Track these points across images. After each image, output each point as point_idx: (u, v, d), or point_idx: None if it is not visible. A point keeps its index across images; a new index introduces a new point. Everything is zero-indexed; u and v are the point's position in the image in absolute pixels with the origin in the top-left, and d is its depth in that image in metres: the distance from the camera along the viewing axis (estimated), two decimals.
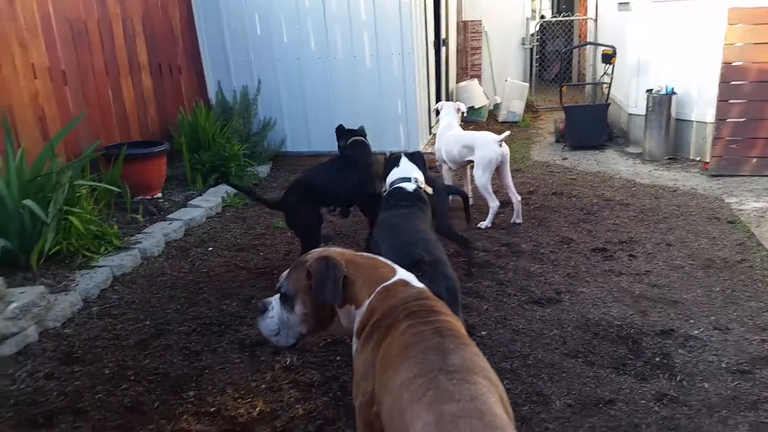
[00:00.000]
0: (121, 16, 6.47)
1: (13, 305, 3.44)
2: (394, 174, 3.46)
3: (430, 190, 3.53)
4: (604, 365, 3.20)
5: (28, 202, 3.89)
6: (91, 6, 6.04)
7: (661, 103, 7.51)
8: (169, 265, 4.73)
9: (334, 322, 2.19)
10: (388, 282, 2.08)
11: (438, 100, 10.07)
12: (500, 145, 5.38)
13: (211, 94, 8.01)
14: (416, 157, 3.59)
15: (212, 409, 2.89)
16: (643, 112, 7.79)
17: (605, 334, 3.50)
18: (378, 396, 1.85)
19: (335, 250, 2.21)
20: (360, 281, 2.11)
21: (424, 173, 3.60)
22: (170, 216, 5.55)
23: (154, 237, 4.97)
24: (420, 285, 2.11)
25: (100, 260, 4.43)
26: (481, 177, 5.37)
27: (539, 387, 3.01)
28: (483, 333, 3.55)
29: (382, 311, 1.99)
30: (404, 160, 3.53)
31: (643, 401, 2.88)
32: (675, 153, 7.75)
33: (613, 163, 7.77)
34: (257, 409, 2.89)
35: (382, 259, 2.23)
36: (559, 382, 3.05)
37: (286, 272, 2.22)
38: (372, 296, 2.06)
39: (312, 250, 2.26)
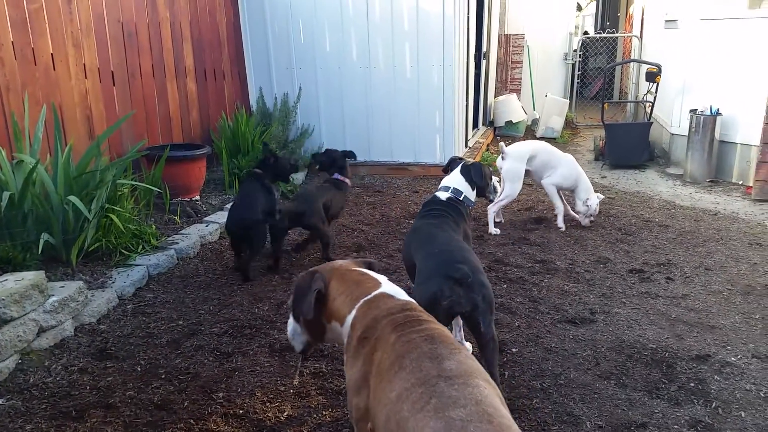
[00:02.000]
0: (170, 19, 6.63)
1: (53, 299, 3.53)
2: (443, 181, 3.49)
3: (473, 201, 3.53)
4: (637, 388, 3.12)
5: (72, 198, 3.99)
6: (142, 8, 6.20)
7: (705, 123, 7.36)
8: (203, 267, 4.80)
9: (327, 333, 2.22)
10: (369, 296, 2.07)
11: (476, 113, 10.07)
12: (502, 158, 5.68)
13: (253, 99, 8.13)
14: (472, 169, 3.57)
15: (241, 411, 2.91)
16: (686, 133, 7.65)
17: (639, 357, 3.43)
18: (372, 411, 1.82)
19: (333, 265, 2.24)
20: (341, 298, 2.12)
21: (479, 185, 3.57)
22: (207, 218, 5.64)
23: (191, 238, 5.05)
24: (405, 297, 2.10)
25: (137, 259, 4.52)
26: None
27: (570, 407, 2.96)
28: (514, 350, 3.51)
29: (365, 324, 1.97)
30: (455, 172, 3.54)
31: (675, 426, 2.80)
32: (717, 176, 7.58)
33: (653, 183, 7.63)
34: (285, 413, 2.90)
35: (371, 273, 2.21)
36: (590, 404, 2.99)
37: None
38: (353, 311, 2.06)
39: (325, 264, 2.31)
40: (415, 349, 1.78)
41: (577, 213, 5.88)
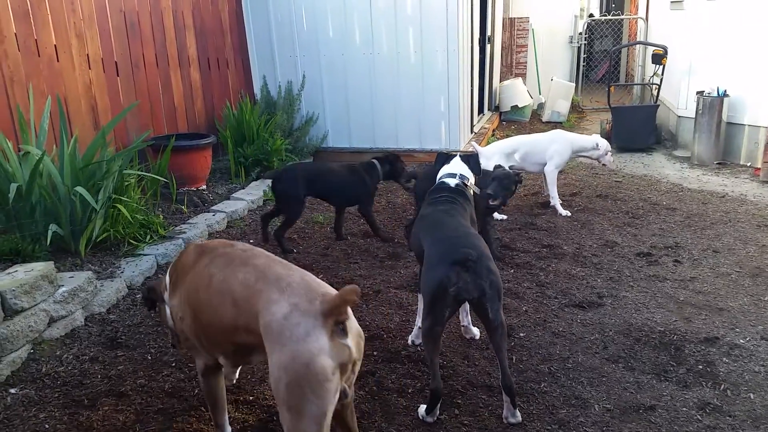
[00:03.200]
0: (172, 8, 6.61)
1: (63, 289, 3.55)
2: (443, 170, 3.45)
3: (477, 190, 3.50)
4: (645, 371, 3.13)
5: (79, 189, 4.01)
6: None
7: (712, 105, 7.30)
8: None
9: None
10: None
11: (481, 98, 10.02)
12: None
13: (257, 88, 8.12)
14: (471, 159, 3.55)
15: (251, 398, 2.94)
16: (693, 115, 7.59)
17: (647, 340, 3.43)
18: (185, 311, 2.29)
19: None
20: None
21: (478, 175, 3.57)
22: (214, 207, 5.66)
23: (198, 228, 5.07)
24: None
25: (146, 248, 4.54)
26: None
27: (578, 391, 2.97)
28: (522, 334, 3.52)
29: (177, 274, 2.39)
30: (456, 159, 3.50)
31: (684, 409, 2.81)
32: (725, 158, 7.52)
33: (660, 166, 7.59)
34: None
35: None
36: (598, 387, 3.00)
37: None
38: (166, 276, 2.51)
39: None
40: (216, 257, 2.27)
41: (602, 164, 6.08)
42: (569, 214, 5.68)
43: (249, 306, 2.02)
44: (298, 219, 5.07)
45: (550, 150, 5.81)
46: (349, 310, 1.98)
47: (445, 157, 3.57)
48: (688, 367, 3.15)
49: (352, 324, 2.00)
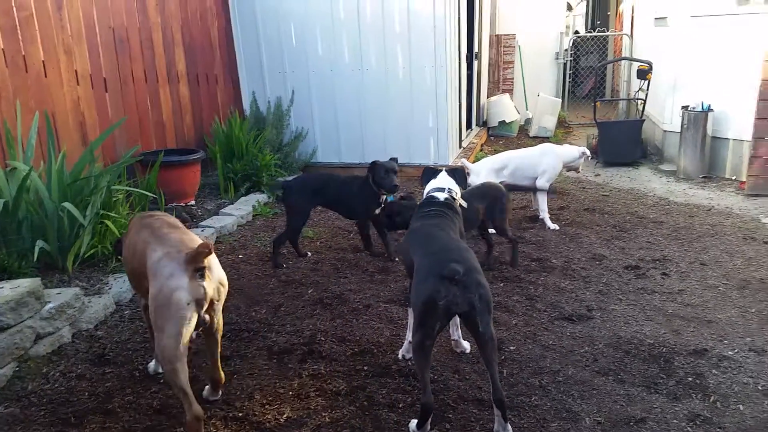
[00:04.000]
0: (161, 24, 6.62)
1: (49, 305, 3.52)
2: (431, 185, 3.46)
3: (464, 203, 3.51)
4: (635, 384, 3.14)
5: (67, 204, 3.98)
6: (133, 14, 6.19)
7: (696, 120, 7.40)
8: None
9: None
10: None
11: (469, 113, 10.09)
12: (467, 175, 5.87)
13: (246, 104, 8.13)
14: (457, 173, 3.57)
15: (240, 414, 2.91)
16: (679, 129, 7.69)
17: (637, 353, 3.44)
18: (124, 262, 3.06)
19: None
20: None
21: (464, 188, 3.60)
22: (202, 223, 5.63)
23: None
24: None
25: None
26: None
27: (569, 404, 2.97)
28: (512, 348, 3.52)
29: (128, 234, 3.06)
30: (442, 173, 3.52)
31: (675, 421, 2.82)
32: (710, 171, 7.62)
33: (646, 180, 7.66)
34: (284, 415, 2.90)
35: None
36: (589, 400, 3.00)
37: None
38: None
39: None
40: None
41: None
42: (557, 227, 5.71)
43: (142, 255, 2.72)
44: (301, 228, 5.10)
45: (542, 164, 5.86)
46: (214, 262, 2.68)
47: (431, 172, 3.58)
48: (678, 379, 3.16)
49: (214, 273, 2.66)
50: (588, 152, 6.11)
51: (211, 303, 2.65)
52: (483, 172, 5.80)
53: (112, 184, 4.62)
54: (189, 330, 2.54)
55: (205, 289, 2.57)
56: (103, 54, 5.79)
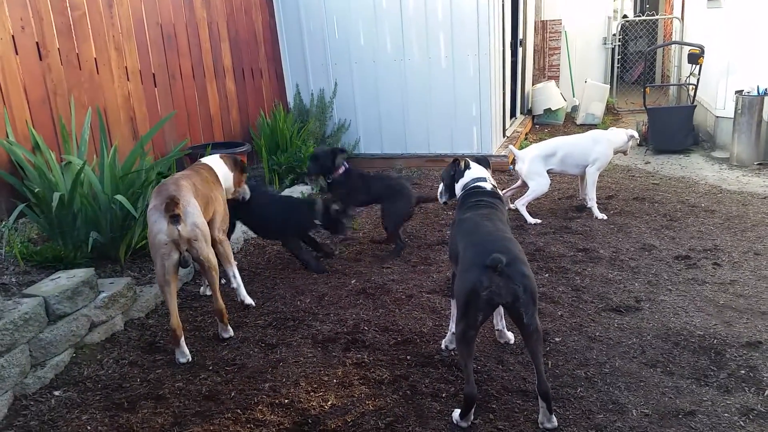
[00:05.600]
0: (207, 20, 6.74)
1: (103, 295, 3.65)
2: (469, 175, 3.39)
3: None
4: (684, 376, 3.07)
5: (119, 197, 4.11)
6: (180, 10, 6.32)
7: (751, 105, 7.12)
8: (246, 262, 4.89)
9: None
10: None
11: (513, 102, 9.96)
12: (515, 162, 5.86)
13: (290, 96, 8.22)
14: (483, 162, 3.52)
15: (286, 401, 2.97)
16: (732, 115, 7.42)
17: (686, 344, 3.36)
18: None
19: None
20: None
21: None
22: None
23: (234, 234, 5.13)
24: None
25: None
26: None
27: (615, 396, 2.92)
28: (557, 339, 3.48)
29: None
30: (475, 164, 3.46)
31: (726, 414, 2.74)
32: (766, 158, 7.32)
33: (698, 168, 7.43)
34: (329, 402, 2.95)
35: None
36: (636, 392, 2.95)
37: None
38: None
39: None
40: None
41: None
42: (605, 217, 5.59)
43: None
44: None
45: (594, 152, 5.70)
46: (189, 210, 3.30)
47: (464, 165, 3.49)
48: (730, 372, 3.08)
49: (189, 218, 3.27)
50: (636, 134, 5.91)
51: (190, 242, 3.27)
52: (529, 158, 5.69)
53: (162, 176, 4.74)
54: (170, 263, 3.25)
55: (179, 231, 3.20)
56: (151, 50, 5.94)
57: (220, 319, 3.60)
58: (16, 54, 4.56)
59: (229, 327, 3.67)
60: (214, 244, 3.74)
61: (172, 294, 3.34)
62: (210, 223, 3.68)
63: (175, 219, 3.19)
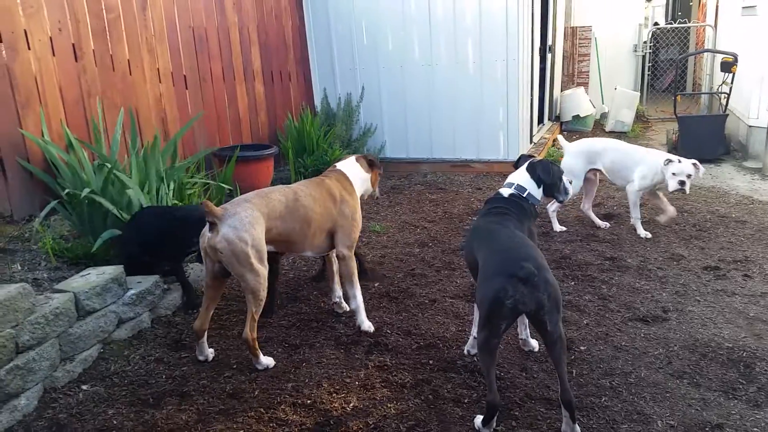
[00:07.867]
0: (239, 24, 6.83)
1: (131, 292, 3.71)
2: (508, 179, 3.38)
3: (538, 200, 3.35)
4: (711, 388, 3.01)
5: (129, 191, 4.18)
6: (212, 14, 6.42)
7: None
8: None
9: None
10: None
11: (541, 108, 9.89)
12: None
13: (317, 100, 8.28)
14: (538, 166, 3.34)
15: (308, 401, 2.99)
16: (765, 125, 7.28)
17: (714, 356, 3.30)
18: None
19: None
20: None
21: (545, 182, 3.31)
22: None
23: None
24: None
25: None
26: None
27: (641, 406, 2.88)
28: (582, 348, 3.45)
29: None
30: (521, 168, 3.40)
31: (755, 429, 2.69)
32: None
33: (729, 177, 7.30)
34: (351, 404, 2.96)
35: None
36: (662, 403, 2.90)
37: None
38: None
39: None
40: None
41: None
42: (650, 235, 5.26)
43: None
44: None
45: (637, 173, 5.25)
46: (227, 221, 3.06)
47: (521, 159, 3.48)
48: (759, 386, 3.02)
49: (221, 230, 3.05)
50: (701, 166, 5.09)
51: (217, 253, 3.08)
52: (571, 151, 5.39)
53: (181, 180, 4.80)
54: (207, 268, 3.20)
55: (207, 240, 3.10)
56: (183, 53, 6.04)
57: (247, 349, 3.30)
58: (53, 55, 4.68)
59: (261, 357, 3.31)
60: (339, 260, 3.66)
61: (207, 298, 3.33)
62: (333, 238, 3.60)
63: (211, 226, 3.10)
